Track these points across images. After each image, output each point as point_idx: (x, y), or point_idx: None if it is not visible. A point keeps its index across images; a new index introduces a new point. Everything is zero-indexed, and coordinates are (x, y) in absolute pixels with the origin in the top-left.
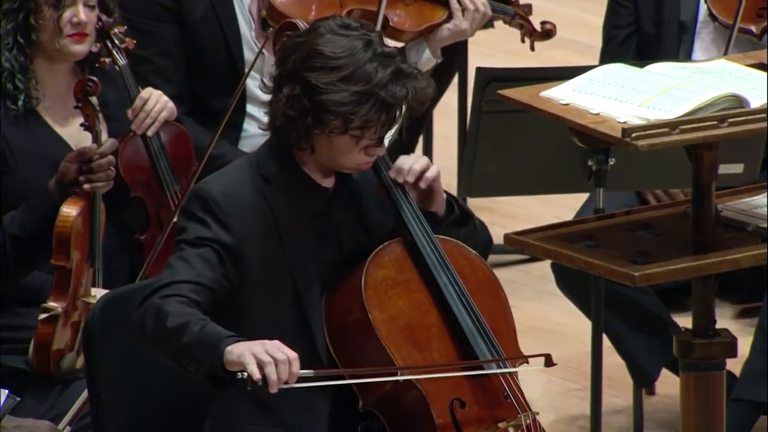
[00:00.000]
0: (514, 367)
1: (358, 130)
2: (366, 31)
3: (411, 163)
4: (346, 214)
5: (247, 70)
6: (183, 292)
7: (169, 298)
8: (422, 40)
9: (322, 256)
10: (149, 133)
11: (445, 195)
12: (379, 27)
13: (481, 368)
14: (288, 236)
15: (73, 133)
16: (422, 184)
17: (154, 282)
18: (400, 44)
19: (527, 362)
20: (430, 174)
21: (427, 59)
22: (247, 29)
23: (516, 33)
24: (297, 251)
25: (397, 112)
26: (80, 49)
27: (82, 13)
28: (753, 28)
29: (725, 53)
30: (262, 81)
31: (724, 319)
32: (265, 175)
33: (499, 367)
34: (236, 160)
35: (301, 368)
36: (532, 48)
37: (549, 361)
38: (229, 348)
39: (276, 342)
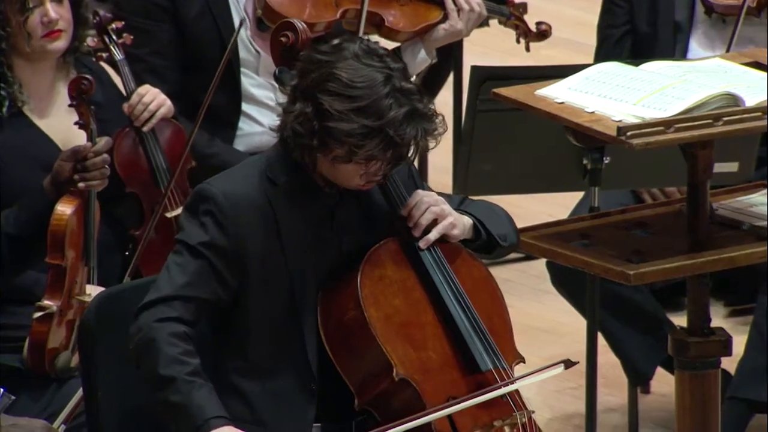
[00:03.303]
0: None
1: (362, 162)
2: (390, 62)
3: (420, 213)
4: (351, 218)
5: (243, 69)
6: (179, 313)
7: (164, 323)
8: (418, 40)
9: (321, 261)
10: (146, 128)
11: (471, 222)
12: (362, 26)
13: (479, 369)
14: (288, 239)
15: (60, 131)
16: (431, 235)
17: (150, 291)
18: (395, 44)
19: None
20: (440, 227)
21: (422, 59)
22: (242, 29)
23: (511, 32)
24: (296, 254)
25: (404, 151)
26: (58, 45)
27: (52, 12)
28: (749, 2)
29: (731, 40)
30: (276, 73)
31: (718, 318)
32: (272, 177)
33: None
34: (246, 160)
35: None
36: (528, 48)
37: (569, 364)
38: None
39: None
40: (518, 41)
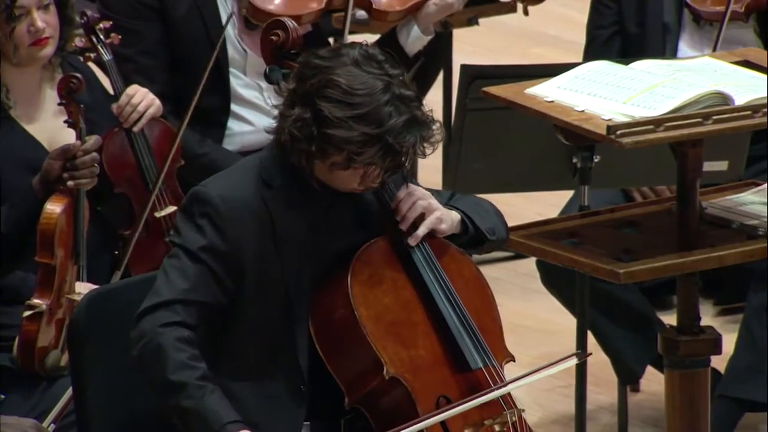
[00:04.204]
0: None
1: (360, 168)
2: (389, 68)
3: (407, 206)
4: (345, 219)
5: (230, 68)
6: (181, 317)
7: (168, 328)
8: (410, 18)
9: (316, 263)
10: (135, 128)
11: (458, 217)
12: (348, 21)
13: (469, 367)
14: (284, 241)
15: (47, 134)
16: (420, 231)
17: (149, 296)
18: (388, 27)
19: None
20: (428, 222)
21: (416, 37)
22: (230, 27)
23: (502, 30)
24: (292, 257)
25: (403, 158)
26: (46, 52)
27: (39, 21)
28: (737, 8)
29: (715, 44)
30: (266, 71)
31: (708, 317)
32: (267, 179)
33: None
34: (239, 162)
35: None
36: (526, 12)
37: (581, 356)
38: None
39: None
40: (514, 7)
